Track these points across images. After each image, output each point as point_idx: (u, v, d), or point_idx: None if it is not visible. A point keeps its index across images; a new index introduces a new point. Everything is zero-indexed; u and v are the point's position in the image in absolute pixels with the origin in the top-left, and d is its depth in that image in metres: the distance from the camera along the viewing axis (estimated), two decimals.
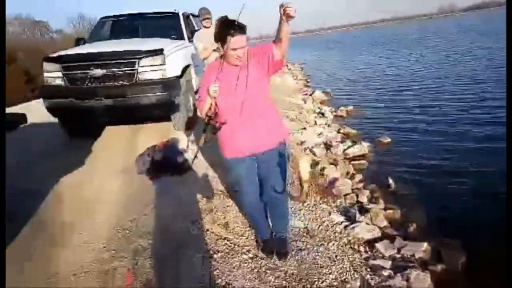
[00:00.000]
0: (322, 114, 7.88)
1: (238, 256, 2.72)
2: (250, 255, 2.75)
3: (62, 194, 3.75)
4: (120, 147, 5.10)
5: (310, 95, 10.27)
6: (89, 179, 4.08)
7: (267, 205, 2.75)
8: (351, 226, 3.35)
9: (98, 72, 4.99)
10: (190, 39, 6.26)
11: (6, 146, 2.66)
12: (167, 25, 6.82)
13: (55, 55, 5.36)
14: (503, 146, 4.50)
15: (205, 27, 5.17)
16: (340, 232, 3.25)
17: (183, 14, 6.77)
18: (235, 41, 2.17)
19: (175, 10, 6.82)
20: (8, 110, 5.41)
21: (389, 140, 6.04)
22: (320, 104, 9.12)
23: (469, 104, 7.74)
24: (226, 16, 2.23)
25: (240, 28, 2.16)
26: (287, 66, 18.95)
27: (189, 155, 4.37)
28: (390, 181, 4.50)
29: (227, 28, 2.16)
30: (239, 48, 2.20)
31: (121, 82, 5.07)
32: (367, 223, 3.43)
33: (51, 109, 5.22)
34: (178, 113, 5.50)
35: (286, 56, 2.31)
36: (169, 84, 5.21)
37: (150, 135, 5.37)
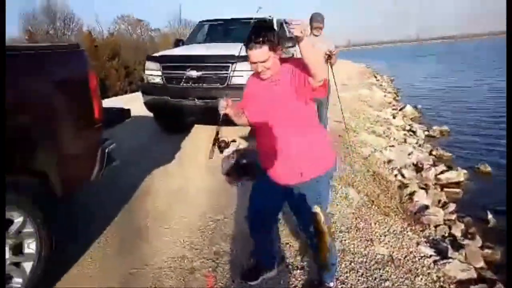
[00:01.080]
0: (413, 132, 7.40)
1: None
2: None
3: (151, 188, 3.97)
4: (206, 146, 5.27)
5: (400, 110, 9.74)
6: (176, 175, 4.27)
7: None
8: (442, 262, 3.05)
9: (194, 73, 5.22)
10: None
11: (113, 138, 2.89)
12: None
13: (157, 55, 5.73)
14: None
15: (314, 35, 4.83)
16: (429, 267, 2.98)
17: (277, 21, 6.82)
18: (250, 54, 1.98)
19: (269, 16, 6.89)
20: (111, 103, 5.86)
21: (490, 169, 5.46)
22: (410, 121, 8.59)
23: None
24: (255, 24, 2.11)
25: (255, 41, 1.93)
26: (375, 77, 18.27)
27: None
28: (489, 215, 4.04)
29: (246, 40, 1.98)
30: (255, 62, 1.99)
31: (213, 85, 5.26)
32: (460, 261, 3.11)
33: (148, 105, 5.59)
34: None
35: (326, 79, 1.99)
36: None
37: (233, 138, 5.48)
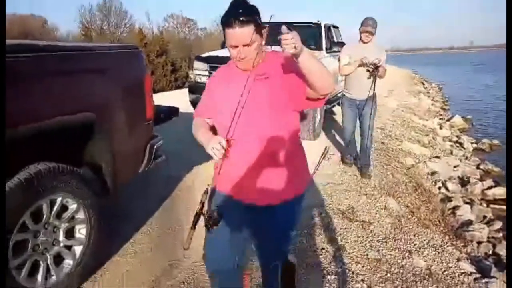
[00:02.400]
0: (460, 144, 7.12)
1: (352, 284, 2.61)
2: (365, 286, 2.61)
3: (194, 181, 4.11)
4: None
5: (448, 120, 9.39)
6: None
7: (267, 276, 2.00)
8: (484, 281, 2.95)
9: None
10: (328, 51, 6.30)
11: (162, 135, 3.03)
12: (307, 34, 6.93)
13: (205, 55, 5.90)
14: None
15: (362, 41, 4.26)
16: (469, 284, 2.89)
17: (324, 25, 6.80)
18: (230, 34, 1.53)
19: (318, 21, 6.88)
20: (157, 99, 6.07)
21: None
22: (458, 132, 8.26)
23: None
24: None
25: (237, 16, 1.49)
26: (423, 84, 17.66)
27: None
28: None
29: (225, 14, 1.53)
30: (235, 46, 1.54)
31: None
32: (504, 282, 2.98)
33: (194, 103, 5.77)
34: (304, 122, 5.57)
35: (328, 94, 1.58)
36: None
37: None
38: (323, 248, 2.99)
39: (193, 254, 2.84)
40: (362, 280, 2.68)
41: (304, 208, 3.58)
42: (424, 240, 3.37)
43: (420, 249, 3.22)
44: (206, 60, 5.65)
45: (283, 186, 1.68)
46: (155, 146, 2.97)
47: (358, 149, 4.60)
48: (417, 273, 2.87)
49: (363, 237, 3.24)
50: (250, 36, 1.51)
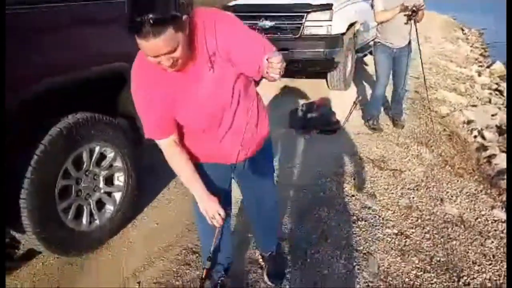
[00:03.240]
0: (500, 92, 6.76)
1: (383, 229, 2.65)
2: (395, 231, 2.65)
3: None
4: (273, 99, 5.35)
5: (488, 67, 8.87)
6: None
7: (254, 220, 2.09)
8: None
9: (267, 23, 5.19)
10: None
11: None
12: None
13: (230, 4, 5.75)
14: None
15: None
16: (502, 231, 2.86)
17: None
18: (145, 47, 1.19)
19: None
20: None
21: None
22: (498, 79, 7.83)
23: None
24: None
25: (150, 23, 1.12)
26: (462, 30, 16.63)
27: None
28: None
29: (129, 18, 1.16)
30: (156, 56, 1.21)
31: (286, 35, 5.20)
32: None
33: None
34: (335, 71, 5.44)
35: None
36: (333, 41, 5.15)
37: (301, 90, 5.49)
38: (352, 195, 3.02)
39: None
40: (393, 226, 2.72)
41: (335, 157, 3.60)
42: (457, 188, 3.32)
43: (452, 197, 3.19)
44: (233, 8, 5.50)
45: (259, 137, 1.69)
46: None
47: (390, 100, 4.47)
48: (449, 220, 2.87)
49: (393, 185, 3.23)
50: (171, 42, 1.18)
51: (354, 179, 3.26)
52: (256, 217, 2.01)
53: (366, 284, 2.19)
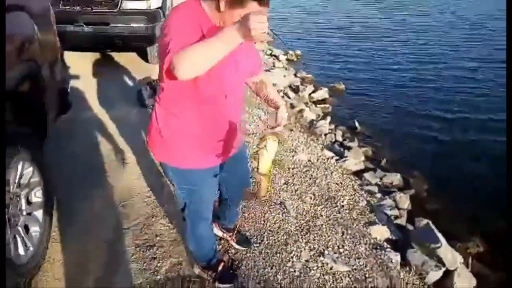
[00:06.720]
0: (276, 57, 8.30)
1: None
2: (283, 181, 3.35)
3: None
4: (111, 78, 5.12)
5: None
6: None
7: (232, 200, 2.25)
8: (342, 160, 4.13)
9: None
10: None
11: None
12: None
13: None
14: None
15: None
16: (335, 165, 4.00)
17: None
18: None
19: None
20: None
21: (343, 86, 6.85)
22: (269, 45, 9.46)
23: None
24: None
25: None
26: None
27: None
28: (356, 123, 5.36)
29: None
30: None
31: (104, 9, 4.97)
32: (353, 158, 4.24)
33: None
34: (154, 46, 5.55)
35: None
36: (152, 16, 5.27)
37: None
38: None
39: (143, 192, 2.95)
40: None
41: None
42: (296, 140, 4.30)
43: (297, 147, 4.13)
44: None
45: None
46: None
47: None
48: (305, 165, 3.78)
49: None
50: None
51: None
52: (236, 196, 2.17)
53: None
